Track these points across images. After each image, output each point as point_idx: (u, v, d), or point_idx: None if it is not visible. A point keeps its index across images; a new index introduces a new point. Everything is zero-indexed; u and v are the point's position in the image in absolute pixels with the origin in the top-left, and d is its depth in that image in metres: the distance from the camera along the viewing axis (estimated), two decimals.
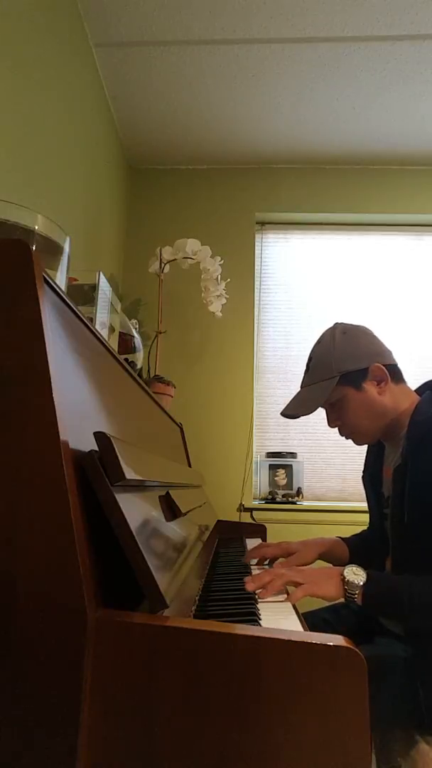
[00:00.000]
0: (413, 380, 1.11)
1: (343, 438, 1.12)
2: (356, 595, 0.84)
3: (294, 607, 0.79)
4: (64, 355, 0.55)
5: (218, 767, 0.42)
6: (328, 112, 2.09)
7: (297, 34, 1.72)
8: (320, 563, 1.04)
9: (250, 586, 0.83)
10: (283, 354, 2.38)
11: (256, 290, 2.38)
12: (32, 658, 0.41)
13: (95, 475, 0.49)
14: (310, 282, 2.44)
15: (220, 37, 1.73)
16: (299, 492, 2.19)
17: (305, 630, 0.66)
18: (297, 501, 2.16)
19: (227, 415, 2.23)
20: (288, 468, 2.22)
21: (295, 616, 0.73)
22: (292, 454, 2.23)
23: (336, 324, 1.12)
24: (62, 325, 0.57)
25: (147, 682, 0.42)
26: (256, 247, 2.43)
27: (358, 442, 1.11)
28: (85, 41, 1.73)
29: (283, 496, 2.18)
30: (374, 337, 1.10)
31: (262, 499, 2.22)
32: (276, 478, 2.21)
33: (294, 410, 1.08)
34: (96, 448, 0.51)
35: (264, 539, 1.73)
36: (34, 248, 0.53)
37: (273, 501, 2.17)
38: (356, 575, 0.84)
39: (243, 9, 1.63)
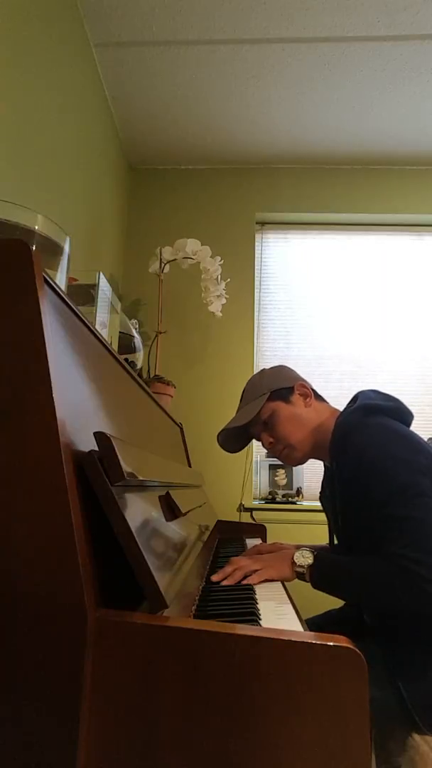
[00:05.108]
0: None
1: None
2: (305, 575, 0.92)
3: (294, 607, 0.79)
4: (64, 355, 0.55)
5: (218, 767, 0.42)
6: (328, 112, 2.09)
7: (297, 34, 1.72)
8: None
9: (214, 578, 0.91)
10: (283, 354, 2.38)
11: (256, 290, 2.38)
12: (32, 658, 0.41)
13: (95, 474, 0.49)
14: (311, 282, 2.44)
15: (220, 37, 1.73)
16: (299, 492, 2.19)
17: (305, 630, 0.66)
18: (297, 501, 2.16)
19: (227, 415, 2.21)
20: (288, 468, 2.22)
21: (295, 617, 0.73)
22: None
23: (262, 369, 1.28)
24: (62, 325, 0.57)
25: (147, 682, 0.42)
26: (256, 247, 2.43)
27: (291, 459, 1.17)
28: (85, 41, 1.73)
29: (283, 496, 2.18)
30: (296, 371, 1.26)
31: (262, 499, 2.22)
32: (276, 478, 2.21)
33: (229, 425, 1.19)
34: (96, 448, 0.51)
35: (264, 539, 1.73)
36: (34, 248, 0.53)
37: (273, 501, 2.16)
38: (304, 558, 0.93)
39: (243, 9, 1.63)
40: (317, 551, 0.93)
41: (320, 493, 1.27)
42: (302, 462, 1.17)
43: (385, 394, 1.10)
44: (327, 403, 1.20)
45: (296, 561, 0.92)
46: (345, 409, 1.10)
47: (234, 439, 1.23)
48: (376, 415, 1.00)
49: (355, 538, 1.01)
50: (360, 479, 0.93)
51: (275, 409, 1.14)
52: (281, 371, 1.23)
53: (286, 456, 1.16)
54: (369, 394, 1.09)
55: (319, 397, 1.20)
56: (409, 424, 1.05)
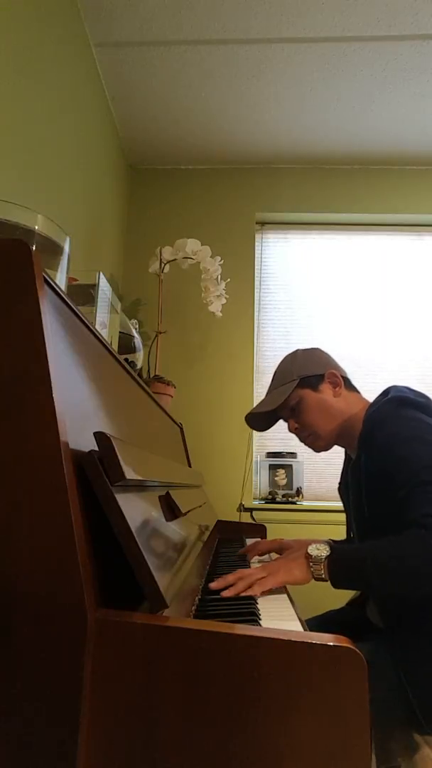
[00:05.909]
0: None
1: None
2: (322, 570, 0.83)
3: (294, 607, 0.79)
4: (64, 355, 0.55)
5: (218, 767, 0.42)
6: (328, 112, 2.09)
7: (297, 34, 1.72)
8: None
9: (213, 586, 0.83)
10: (283, 354, 2.36)
11: (256, 290, 2.38)
12: (32, 658, 0.41)
13: (95, 474, 0.49)
14: (311, 282, 2.44)
15: (220, 37, 1.73)
16: (299, 492, 2.18)
17: (305, 630, 0.66)
18: (297, 501, 2.16)
19: (227, 415, 2.23)
20: (288, 468, 2.22)
21: (296, 617, 0.73)
22: (292, 454, 2.23)
23: (296, 349, 1.26)
24: (62, 325, 0.57)
25: (147, 682, 0.42)
26: (256, 247, 2.43)
27: (316, 446, 1.16)
28: (85, 41, 1.73)
29: (283, 496, 2.18)
30: (329, 355, 1.23)
31: (262, 499, 2.22)
32: (276, 478, 2.21)
33: (256, 410, 1.17)
34: (96, 448, 0.51)
35: (264, 539, 1.73)
36: (34, 248, 0.53)
37: (273, 501, 2.16)
38: (319, 550, 0.84)
39: (243, 9, 1.63)
40: (331, 545, 0.87)
41: (339, 484, 1.25)
42: (326, 449, 1.16)
43: (416, 391, 1.09)
44: (358, 392, 1.18)
45: (311, 553, 0.84)
46: (376, 400, 1.08)
47: (261, 419, 1.22)
48: (408, 407, 0.99)
49: (377, 529, 0.95)
50: (387, 466, 0.92)
51: (303, 396, 1.13)
52: (314, 356, 1.20)
53: (311, 443, 1.16)
54: (401, 388, 1.08)
55: (350, 386, 1.17)
56: None
